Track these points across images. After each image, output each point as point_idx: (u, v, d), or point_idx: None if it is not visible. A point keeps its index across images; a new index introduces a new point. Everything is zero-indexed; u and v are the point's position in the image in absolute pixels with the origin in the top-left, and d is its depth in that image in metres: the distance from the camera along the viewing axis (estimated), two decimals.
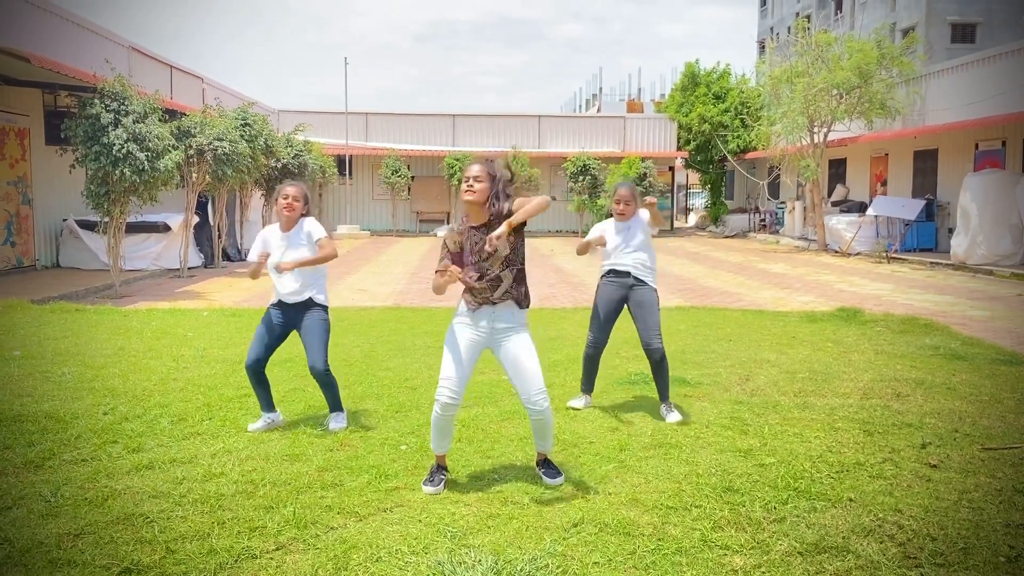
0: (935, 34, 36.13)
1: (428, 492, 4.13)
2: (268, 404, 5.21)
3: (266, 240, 5.20)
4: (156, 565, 3.31)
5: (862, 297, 12.51)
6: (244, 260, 19.00)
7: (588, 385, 5.89)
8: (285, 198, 5.11)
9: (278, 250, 5.11)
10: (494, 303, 4.15)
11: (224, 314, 10.22)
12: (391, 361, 7.33)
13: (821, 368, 7.08)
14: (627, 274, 5.61)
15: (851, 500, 4.02)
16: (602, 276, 5.77)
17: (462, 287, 4.19)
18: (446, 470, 4.34)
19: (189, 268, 15.66)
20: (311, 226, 5.16)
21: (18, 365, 6.82)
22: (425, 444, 4.85)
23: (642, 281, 5.62)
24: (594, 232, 5.76)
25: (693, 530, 3.68)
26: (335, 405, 5.28)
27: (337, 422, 5.21)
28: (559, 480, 4.27)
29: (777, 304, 11.76)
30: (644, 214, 5.70)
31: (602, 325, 5.73)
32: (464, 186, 4.09)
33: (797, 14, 46.80)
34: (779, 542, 3.56)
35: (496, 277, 4.11)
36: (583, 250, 5.66)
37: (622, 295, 5.67)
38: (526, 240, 4.26)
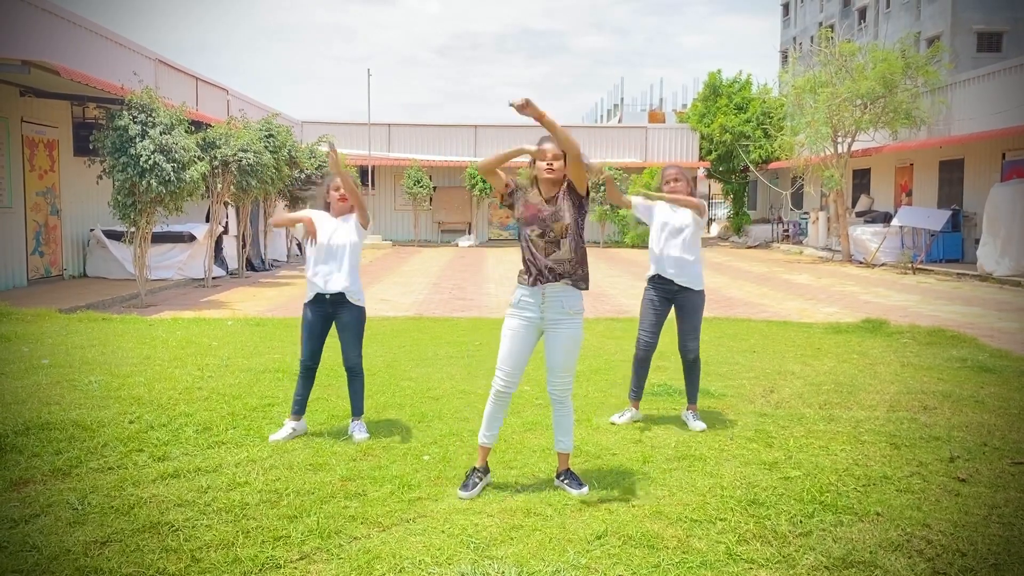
0: (960, 43, 35.79)
1: (462, 496, 4.14)
2: (302, 408, 5.30)
3: (315, 218, 5.40)
4: (181, 574, 3.33)
5: (887, 308, 12.38)
6: (268, 270, 19.14)
7: (637, 391, 5.78)
8: (336, 190, 5.37)
9: (328, 229, 5.31)
10: (550, 281, 4.21)
11: (248, 323, 10.30)
12: (413, 371, 7.35)
13: (846, 380, 7.02)
14: (671, 282, 5.61)
15: (878, 514, 3.98)
16: (649, 280, 5.73)
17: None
18: (486, 472, 4.36)
19: (213, 278, 15.81)
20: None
21: (46, 373, 6.90)
22: (448, 454, 4.86)
23: (687, 287, 5.61)
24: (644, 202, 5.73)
25: (718, 543, 3.65)
26: (358, 406, 5.36)
27: (361, 432, 5.23)
28: (584, 490, 4.26)
29: (801, 315, 11.67)
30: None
31: (652, 326, 5.70)
32: (544, 165, 4.20)
33: (820, 24, 46.53)
34: (805, 556, 3.52)
35: (556, 240, 4.21)
36: (618, 197, 5.56)
37: (669, 300, 5.68)
38: None
